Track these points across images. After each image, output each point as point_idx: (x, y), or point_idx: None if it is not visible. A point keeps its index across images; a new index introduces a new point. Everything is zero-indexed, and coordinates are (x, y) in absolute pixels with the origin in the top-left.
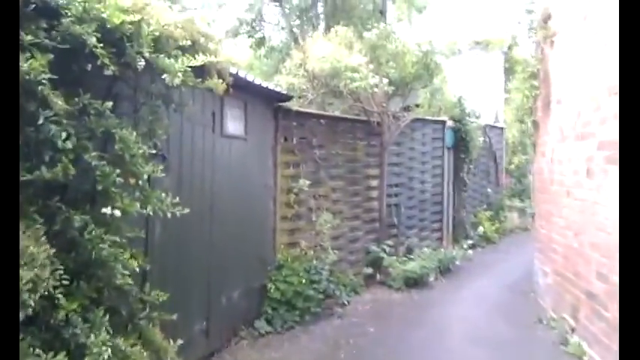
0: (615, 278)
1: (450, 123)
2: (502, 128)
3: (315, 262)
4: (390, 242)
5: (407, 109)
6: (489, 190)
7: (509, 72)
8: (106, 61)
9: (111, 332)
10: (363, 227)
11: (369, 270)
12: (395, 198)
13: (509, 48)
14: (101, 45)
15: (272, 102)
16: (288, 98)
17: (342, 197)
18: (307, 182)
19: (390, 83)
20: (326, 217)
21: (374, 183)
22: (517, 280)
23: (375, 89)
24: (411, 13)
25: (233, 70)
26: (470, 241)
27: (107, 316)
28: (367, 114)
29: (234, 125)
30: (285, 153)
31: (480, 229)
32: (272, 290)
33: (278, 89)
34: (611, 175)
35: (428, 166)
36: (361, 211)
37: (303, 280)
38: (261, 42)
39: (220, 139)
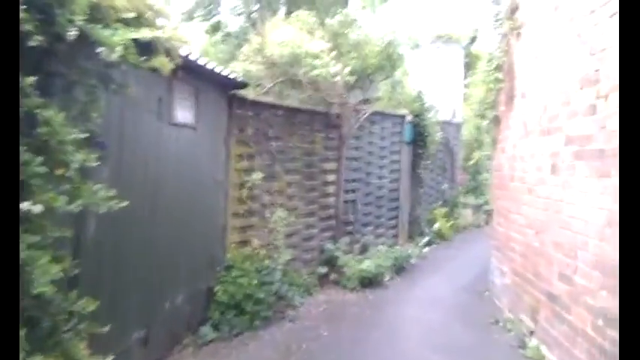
0: (579, 280)
1: (409, 117)
2: (459, 124)
3: (267, 261)
4: (345, 240)
5: (367, 101)
6: (445, 186)
7: (468, 67)
8: (30, 28)
9: (27, 349)
10: (319, 224)
11: (324, 269)
12: (352, 194)
13: (471, 42)
14: (24, 8)
15: (226, 89)
16: (244, 86)
17: (297, 192)
18: (261, 176)
19: (351, 73)
20: (280, 214)
21: (331, 178)
22: (472, 279)
23: (337, 78)
24: (374, 2)
25: (184, 52)
26: (425, 239)
27: (24, 331)
28: (327, 105)
29: (183, 113)
30: (239, 144)
31: (436, 226)
32: (220, 293)
33: (233, 75)
34: (578, 171)
35: (386, 161)
36: (317, 208)
37: (254, 282)
38: (216, 27)
39: (167, 128)
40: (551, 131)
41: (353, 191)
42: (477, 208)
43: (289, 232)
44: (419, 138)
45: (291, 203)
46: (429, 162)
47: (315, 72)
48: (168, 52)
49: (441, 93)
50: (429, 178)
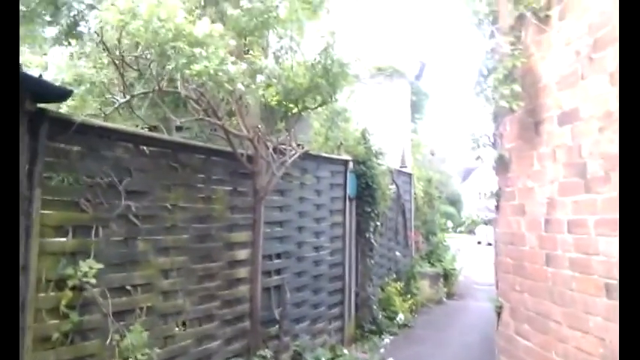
0: None
1: (351, 165)
2: (410, 174)
3: None
4: (266, 352)
5: (293, 140)
6: (398, 253)
7: (415, 108)
8: None
9: None
10: (222, 332)
11: None
12: (277, 276)
13: (418, 77)
14: None
15: (23, 100)
16: (62, 95)
17: (182, 284)
18: (98, 266)
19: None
20: (134, 337)
21: (243, 255)
22: None
23: (240, 87)
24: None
25: None
26: (386, 340)
27: None
28: (231, 141)
29: None
30: (58, 206)
31: (400, 317)
32: None
33: (36, 75)
34: None
35: (325, 224)
36: (219, 306)
37: None
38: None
39: None
40: None
41: (278, 272)
42: (435, 278)
43: (166, 357)
44: (365, 191)
45: (167, 305)
46: (379, 223)
47: (196, 68)
48: None
49: (386, 137)
50: (379, 244)
